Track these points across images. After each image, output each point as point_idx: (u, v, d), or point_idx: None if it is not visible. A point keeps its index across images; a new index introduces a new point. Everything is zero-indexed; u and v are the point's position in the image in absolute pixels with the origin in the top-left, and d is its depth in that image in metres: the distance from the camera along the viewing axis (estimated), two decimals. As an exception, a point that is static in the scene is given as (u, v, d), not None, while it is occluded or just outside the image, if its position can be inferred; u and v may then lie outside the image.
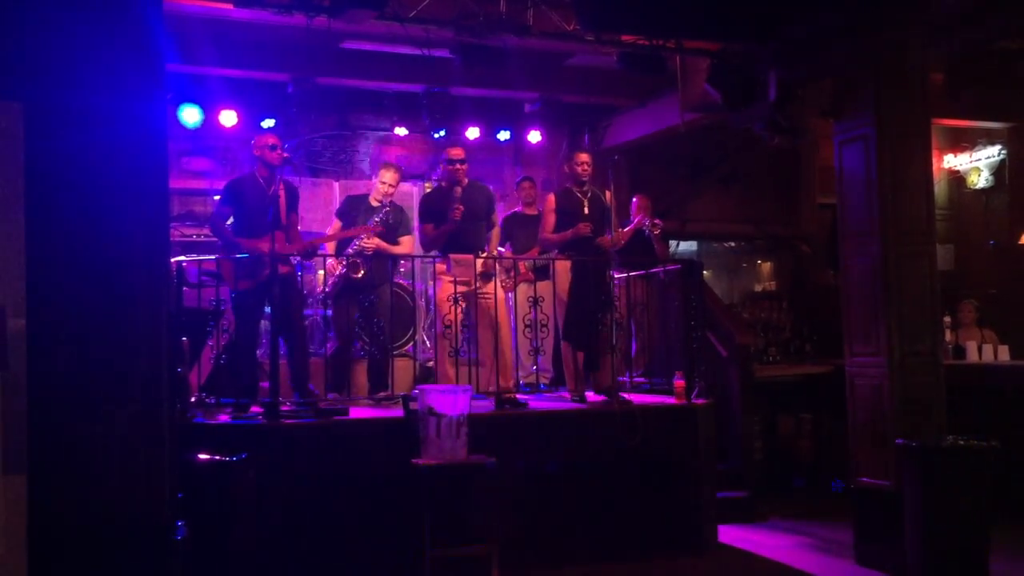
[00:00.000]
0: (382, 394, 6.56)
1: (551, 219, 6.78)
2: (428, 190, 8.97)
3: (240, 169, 8.80)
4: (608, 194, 7.11)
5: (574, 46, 7.23)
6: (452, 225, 6.41)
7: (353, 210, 6.96)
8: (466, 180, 6.62)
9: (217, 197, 8.58)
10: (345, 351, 6.79)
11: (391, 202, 6.82)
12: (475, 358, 6.60)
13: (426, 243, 6.67)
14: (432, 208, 6.61)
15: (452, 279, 6.30)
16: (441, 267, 6.46)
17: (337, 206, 7.85)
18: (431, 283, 8.16)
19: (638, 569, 5.85)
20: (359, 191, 7.58)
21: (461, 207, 6.41)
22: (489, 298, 6.43)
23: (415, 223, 7.34)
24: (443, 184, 6.72)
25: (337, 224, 7.01)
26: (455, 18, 6.15)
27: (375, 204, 6.98)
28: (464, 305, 6.39)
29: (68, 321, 3.84)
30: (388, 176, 6.98)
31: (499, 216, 7.50)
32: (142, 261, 4.09)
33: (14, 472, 3.61)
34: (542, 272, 7.56)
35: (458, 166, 6.54)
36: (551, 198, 6.90)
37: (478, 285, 6.44)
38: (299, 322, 6.40)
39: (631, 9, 5.95)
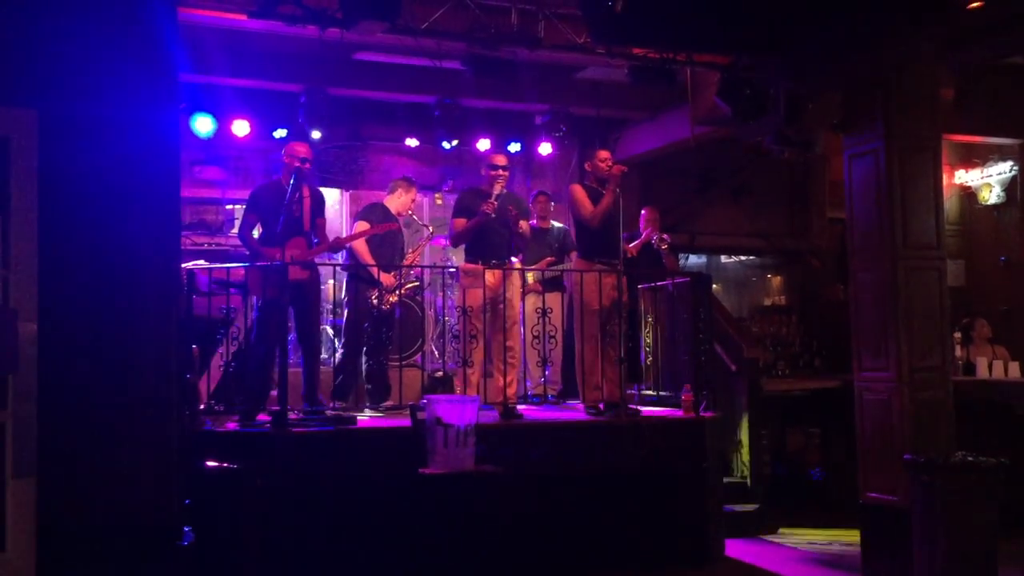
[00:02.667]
0: (388, 403, 6.57)
1: (587, 201, 6.75)
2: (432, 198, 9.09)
3: (252, 179, 8.86)
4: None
5: (585, 59, 7.24)
6: (482, 217, 6.42)
7: (375, 214, 7.08)
8: (504, 189, 6.65)
9: (229, 207, 8.68)
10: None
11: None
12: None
13: (456, 236, 6.71)
14: (467, 204, 6.65)
15: (480, 287, 6.34)
16: (467, 280, 6.48)
17: (348, 215, 7.93)
18: (440, 293, 8.20)
19: (644, 581, 5.84)
20: (368, 202, 7.65)
21: (495, 203, 6.44)
22: (512, 307, 6.46)
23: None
24: (483, 187, 6.75)
25: (364, 224, 6.99)
26: (467, 30, 6.18)
27: (395, 214, 7.20)
28: (482, 313, 6.41)
29: (79, 327, 3.87)
30: (415, 193, 7.42)
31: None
32: (153, 268, 4.13)
33: (24, 475, 3.63)
34: (550, 284, 7.58)
35: (500, 171, 6.60)
36: (578, 187, 6.88)
37: (507, 293, 6.48)
38: (316, 331, 6.43)
39: (641, 22, 5.96)
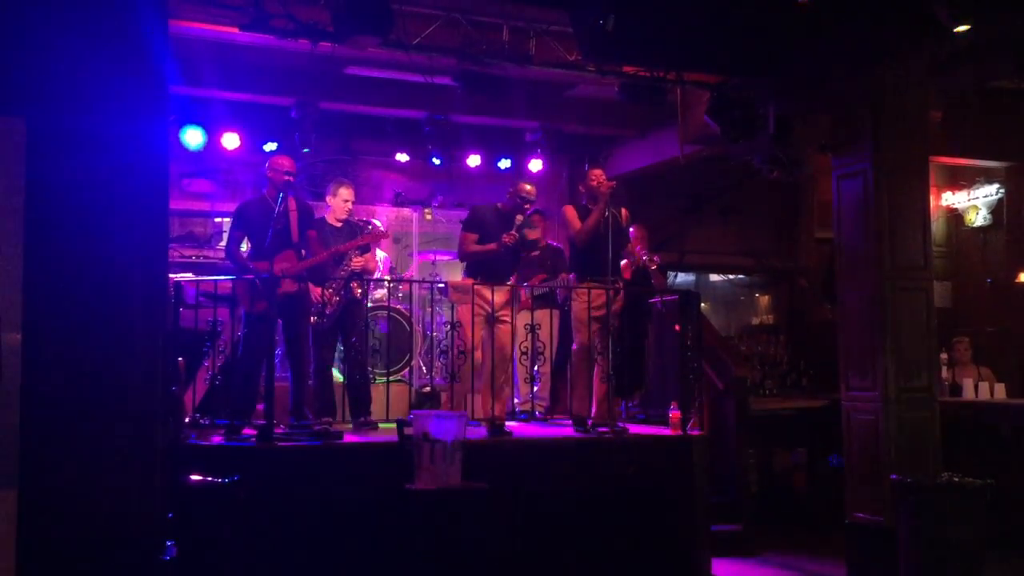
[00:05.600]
0: (371, 419, 6.52)
1: (576, 220, 6.75)
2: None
3: (242, 192, 8.84)
4: (624, 212, 7.07)
5: (575, 76, 7.27)
6: (500, 248, 6.42)
7: (320, 234, 6.61)
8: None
9: (218, 219, 8.65)
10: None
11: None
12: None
13: (465, 253, 6.63)
14: (483, 220, 6.59)
15: (469, 303, 6.31)
16: (455, 296, 6.44)
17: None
18: (428, 309, 8.18)
19: (630, 601, 5.80)
20: (359, 216, 7.58)
21: (516, 235, 6.42)
22: (505, 324, 6.43)
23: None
24: (500, 206, 6.70)
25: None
26: (458, 46, 6.20)
27: (337, 224, 6.83)
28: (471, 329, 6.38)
29: (64, 337, 3.84)
30: (347, 192, 6.85)
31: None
32: (140, 280, 4.11)
33: (4, 487, 3.59)
34: (540, 300, 7.58)
35: (528, 205, 6.59)
36: (570, 207, 6.88)
37: (501, 312, 6.44)
38: (304, 345, 6.37)
39: (632, 41, 5.99)
